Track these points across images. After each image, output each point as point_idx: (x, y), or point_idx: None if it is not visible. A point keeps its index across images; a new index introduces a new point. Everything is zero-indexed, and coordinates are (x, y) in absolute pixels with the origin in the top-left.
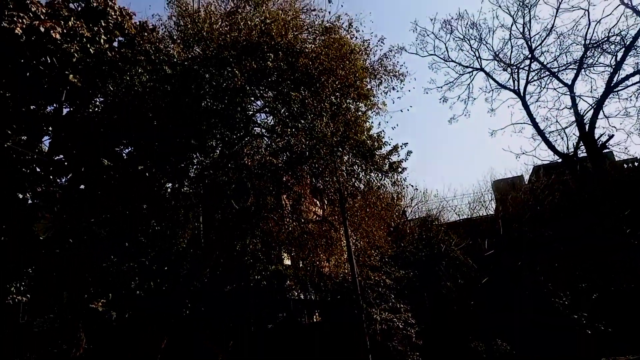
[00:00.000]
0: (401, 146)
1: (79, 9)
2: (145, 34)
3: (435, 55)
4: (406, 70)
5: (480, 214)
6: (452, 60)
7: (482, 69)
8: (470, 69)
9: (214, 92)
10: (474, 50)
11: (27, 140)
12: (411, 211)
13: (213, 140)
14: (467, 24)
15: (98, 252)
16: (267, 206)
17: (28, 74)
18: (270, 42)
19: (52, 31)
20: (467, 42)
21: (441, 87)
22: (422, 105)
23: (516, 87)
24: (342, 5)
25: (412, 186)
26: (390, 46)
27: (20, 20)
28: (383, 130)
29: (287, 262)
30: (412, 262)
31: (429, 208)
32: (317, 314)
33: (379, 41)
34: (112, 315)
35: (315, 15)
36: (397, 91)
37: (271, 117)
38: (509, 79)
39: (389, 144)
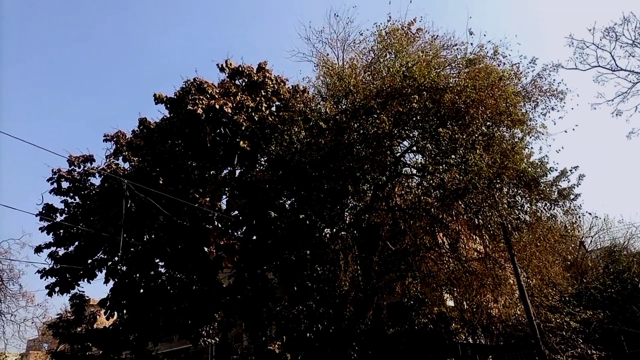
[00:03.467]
0: (571, 170)
1: (243, 84)
2: (298, 95)
3: (599, 66)
4: (565, 88)
5: None
6: (622, 69)
7: None
8: None
9: (363, 139)
10: None
11: (210, 200)
12: (591, 242)
13: (365, 184)
14: (635, 27)
15: (271, 297)
16: (424, 246)
17: (209, 145)
18: (414, 84)
19: (225, 107)
20: (639, 46)
21: (612, 100)
22: (591, 122)
23: None
24: (484, 35)
25: (590, 214)
26: (543, 65)
27: (201, 102)
28: (546, 156)
29: (450, 303)
30: (600, 300)
31: (614, 237)
32: (490, 359)
33: (530, 62)
34: (287, 357)
35: (457, 49)
36: (558, 111)
37: (420, 155)
38: None
39: (555, 170)
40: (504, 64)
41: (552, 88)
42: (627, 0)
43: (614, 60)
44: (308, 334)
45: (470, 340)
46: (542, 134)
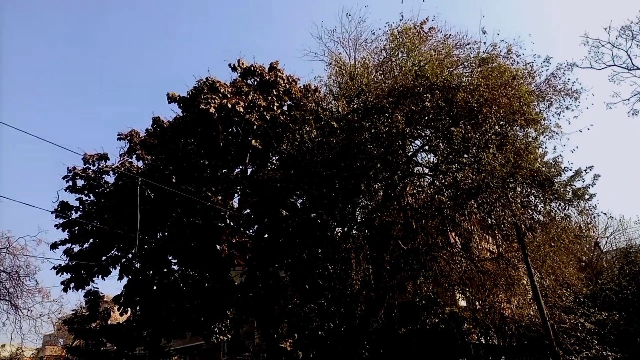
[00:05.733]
0: (585, 170)
1: (255, 83)
2: (309, 95)
3: (615, 65)
4: (580, 87)
5: None
6: (639, 68)
7: None
8: None
9: (375, 138)
10: None
11: (222, 199)
12: (606, 242)
13: (377, 184)
14: None
15: (283, 295)
16: (435, 245)
17: (221, 144)
18: (426, 83)
19: (237, 106)
20: None
21: (628, 100)
22: (606, 122)
23: None
24: (497, 34)
25: (605, 214)
26: (557, 64)
27: (213, 101)
28: (560, 155)
29: (462, 303)
30: (615, 302)
31: (630, 238)
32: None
33: (544, 61)
34: (298, 354)
35: (470, 48)
36: (572, 110)
37: (432, 154)
38: None
39: (570, 169)
40: (518, 62)
41: (567, 87)
42: None
43: (630, 59)
44: (319, 332)
45: (483, 341)
46: (557, 133)
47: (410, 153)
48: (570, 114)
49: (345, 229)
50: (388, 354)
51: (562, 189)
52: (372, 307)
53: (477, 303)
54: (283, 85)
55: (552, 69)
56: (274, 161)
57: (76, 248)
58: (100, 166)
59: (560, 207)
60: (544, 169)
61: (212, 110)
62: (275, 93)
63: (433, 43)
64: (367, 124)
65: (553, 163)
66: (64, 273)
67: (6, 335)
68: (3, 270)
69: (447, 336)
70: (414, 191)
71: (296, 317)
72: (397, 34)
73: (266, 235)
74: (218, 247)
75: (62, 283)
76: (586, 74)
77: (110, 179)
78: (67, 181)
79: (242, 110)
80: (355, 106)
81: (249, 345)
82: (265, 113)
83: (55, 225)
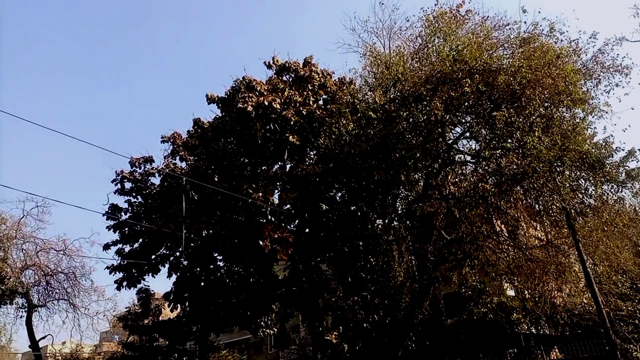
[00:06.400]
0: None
1: (290, 79)
2: (345, 87)
3: None
4: (631, 62)
5: None
6: None
7: None
8: None
9: (413, 127)
10: None
11: (262, 195)
12: None
13: (417, 173)
14: None
15: (326, 288)
16: (481, 234)
17: (259, 141)
18: (465, 68)
19: (273, 103)
20: None
21: None
22: None
23: None
24: (539, 12)
25: None
26: (605, 39)
27: (250, 100)
28: (611, 135)
29: (511, 292)
30: None
31: None
32: (555, 350)
33: (590, 37)
34: (344, 347)
35: (509, 29)
36: (623, 87)
37: (474, 141)
38: None
39: (622, 149)
40: (561, 41)
41: (616, 63)
42: None
43: None
44: (364, 325)
45: (534, 331)
46: (606, 112)
47: (451, 141)
48: (621, 91)
49: (386, 220)
50: (435, 346)
51: (614, 171)
52: (416, 299)
53: (526, 292)
54: (318, 79)
55: (599, 45)
56: (312, 156)
57: (127, 248)
58: (146, 169)
59: (612, 190)
60: (593, 150)
61: (249, 108)
62: (310, 88)
63: (470, 26)
64: (405, 113)
65: (603, 144)
66: (117, 272)
67: (66, 333)
68: (61, 271)
69: (495, 326)
70: (456, 180)
71: (340, 309)
72: (433, 19)
73: (307, 230)
74: (261, 242)
75: (115, 282)
76: (637, 48)
77: (156, 180)
78: (116, 184)
79: (278, 107)
80: (392, 96)
81: (295, 338)
82: (301, 108)
83: (107, 227)
